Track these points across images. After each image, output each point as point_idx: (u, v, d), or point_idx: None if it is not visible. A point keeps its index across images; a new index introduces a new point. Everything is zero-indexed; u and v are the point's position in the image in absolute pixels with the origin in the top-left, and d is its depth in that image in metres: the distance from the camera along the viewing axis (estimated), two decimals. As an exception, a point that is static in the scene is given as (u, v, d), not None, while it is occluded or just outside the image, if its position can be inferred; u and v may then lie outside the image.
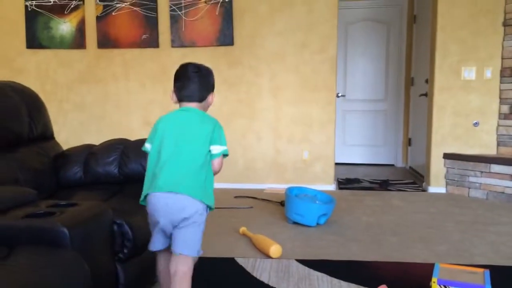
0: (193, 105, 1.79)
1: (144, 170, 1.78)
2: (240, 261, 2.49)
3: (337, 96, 6.00)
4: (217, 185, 4.66)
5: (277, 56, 4.53)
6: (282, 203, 3.74)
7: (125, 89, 4.73)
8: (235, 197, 4.14)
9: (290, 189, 3.40)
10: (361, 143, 6.19)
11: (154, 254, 1.75)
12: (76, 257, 1.38)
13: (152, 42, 4.60)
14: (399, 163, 6.12)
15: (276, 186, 4.52)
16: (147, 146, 1.77)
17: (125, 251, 1.75)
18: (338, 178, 5.05)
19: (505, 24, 4.15)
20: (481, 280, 1.75)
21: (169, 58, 4.64)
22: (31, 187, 1.94)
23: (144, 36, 4.59)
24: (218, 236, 2.96)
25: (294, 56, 4.51)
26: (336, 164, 5.98)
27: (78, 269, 1.36)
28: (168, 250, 1.68)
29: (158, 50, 4.63)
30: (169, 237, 1.67)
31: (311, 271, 2.36)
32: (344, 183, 4.85)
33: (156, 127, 1.77)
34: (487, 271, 1.83)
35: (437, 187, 4.45)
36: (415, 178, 5.16)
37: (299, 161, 4.59)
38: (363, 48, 6.08)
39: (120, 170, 2.32)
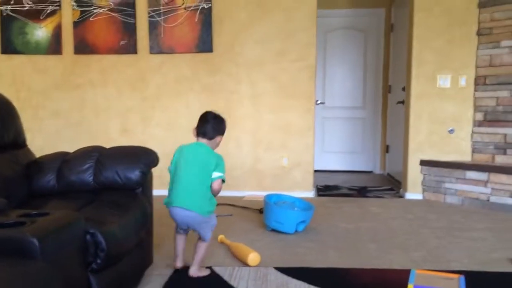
0: (204, 141, 2.41)
1: (119, 178, 2.26)
2: (217, 269, 2.46)
3: (316, 104, 6.05)
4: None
5: (256, 64, 4.54)
6: (261, 211, 3.73)
7: (103, 96, 4.67)
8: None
9: (268, 196, 3.40)
10: (340, 150, 6.24)
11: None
12: (47, 269, 1.34)
13: (130, 48, 4.55)
14: (377, 170, 6.19)
15: (255, 193, 4.51)
16: (170, 167, 2.42)
17: (99, 261, 1.71)
18: (317, 185, 5.08)
19: (479, 34, 4.25)
20: (456, 286, 1.77)
21: (148, 65, 4.60)
22: (1, 195, 1.88)
23: (122, 42, 4.55)
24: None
25: (273, 64, 4.53)
26: (315, 171, 6.01)
27: (49, 281, 1.32)
28: (184, 233, 2.44)
29: (136, 56, 4.59)
30: (186, 229, 2.41)
31: (289, 279, 2.35)
32: (323, 190, 4.87)
33: (175, 153, 2.45)
34: (462, 277, 1.85)
35: (414, 193, 4.50)
36: (393, 185, 5.22)
37: (278, 168, 4.59)
38: (341, 56, 6.15)
39: (95, 178, 2.27)
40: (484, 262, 2.67)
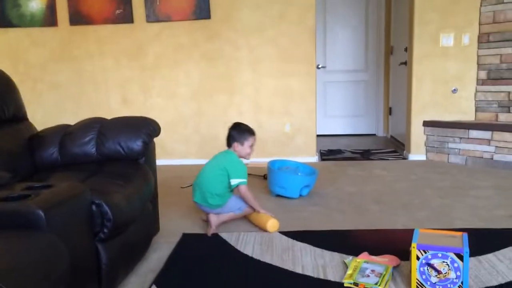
0: (229, 148, 2.72)
1: (122, 148, 2.27)
2: (224, 235, 2.50)
3: (317, 68, 5.98)
4: (200, 161, 4.66)
5: (255, 29, 4.46)
6: (265, 177, 3.75)
7: (101, 67, 4.62)
8: (218, 172, 4.13)
9: (272, 162, 3.41)
10: (343, 114, 6.21)
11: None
12: (53, 240, 1.36)
13: (127, 17, 4.47)
14: (381, 133, 6.17)
15: (258, 160, 4.51)
16: None
17: (105, 230, 1.73)
18: (320, 150, 5.08)
19: (482, -11, 4.14)
20: (459, 243, 1.78)
21: (145, 34, 4.53)
22: (6, 170, 1.89)
23: (117, 11, 4.46)
24: (201, 211, 2.96)
25: (273, 28, 4.45)
26: (318, 136, 6.00)
27: (56, 251, 1.34)
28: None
29: (133, 25, 4.51)
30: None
31: (295, 242, 2.38)
32: (326, 154, 4.88)
33: None
34: (465, 234, 1.86)
35: (417, 154, 4.50)
36: (396, 147, 5.22)
37: (281, 134, 4.59)
38: (342, 19, 6.02)
39: (97, 150, 2.27)
40: (487, 219, 2.69)
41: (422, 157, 4.49)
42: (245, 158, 2.71)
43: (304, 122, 4.56)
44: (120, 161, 2.24)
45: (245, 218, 2.74)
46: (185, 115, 4.63)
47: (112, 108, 4.61)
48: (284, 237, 2.46)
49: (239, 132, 2.69)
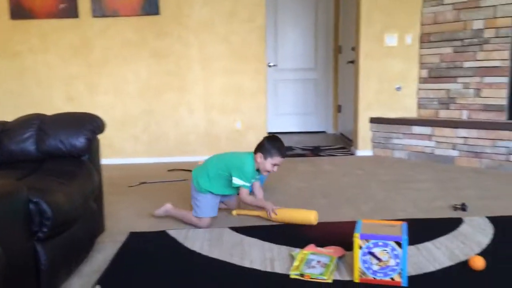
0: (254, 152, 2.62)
1: (64, 145, 2.19)
2: (171, 233, 2.47)
3: (269, 66, 6.03)
4: (150, 159, 4.58)
5: (205, 26, 4.44)
6: (215, 174, 3.74)
7: (44, 63, 4.44)
8: (168, 170, 4.08)
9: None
10: (293, 112, 6.30)
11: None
12: (-14, 239, 1.29)
13: (71, 11, 4.32)
14: (330, 130, 6.32)
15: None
16: None
17: (45, 230, 1.66)
18: (271, 147, 5.11)
19: (423, -9, 4.33)
20: (399, 232, 1.86)
21: (91, 29, 4.40)
22: None
23: (61, 6, 4.31)
24: (149, 210, 2.92)
25: (223, 26, 4.44)
26: (270, 133, 6.05)
27: (-11, 251, 1.28)
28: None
29: (78, 20, 4.37)
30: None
31: (244, 237, 2.39)
32: (277, 152, 4.92)
33: None
34: (405, 224, 1.94)
35: (364, 150, 4.65)
36: (345, 143, 5.35)
37: (232, 131, 4.59)
38: (292, 18, 6.11)
39: (37, 147, 2.18)
40: (427, 210, 2.82)
41: (369, 152, 4.64)
42: (261, 173, 2.61)
43: (255, 119, 4.59)
44: (61, 159, 2.16)
45: (274, 219, 2.60)
46: (133, 113, 4.53)
47: (56, 105, 4.44)
48: (233, 232, 2.47)
49: (269, 145, 2.57)
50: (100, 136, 2.38)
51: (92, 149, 2.27)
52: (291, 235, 2.39)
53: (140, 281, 1.92)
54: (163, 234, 2.46)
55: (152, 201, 3.10)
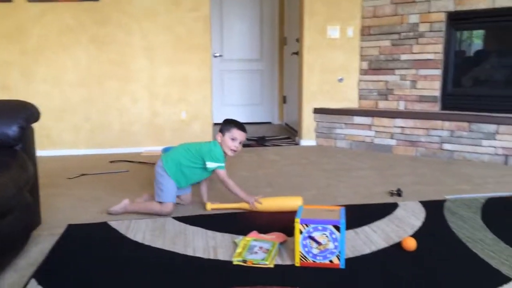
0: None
1: None
2: (113, 224, 2.42)
3: (214, 56, 6.01)
4: (91, 151, 4.44)
5: (148, 14, 4.34)
6: (159, 164, 3.68)
7: (-26, 49, 4.17)
8: (110, 161, 3.98)
9: (165, 149, 3.36)
10: (240, 102, 6.32)
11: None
12: None
13: (3, -5, 4.08)
14: (276, 120, 6.40)
15: (154, 148, 4.44)
16: None
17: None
18: (217, 137, 5.11)
19: (363, -14, 4.46)
20: (337, 216, 1.92)
21: (26, 14, 4.18)
22: None
23: (-8, -12, 4.04)
24: (90, 202, 2.84)
25: (167, 14, 4.36)
26: (216, 124, 6.04)
27: None
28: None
29: (11, 5, 4.13)
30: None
31: (187, 226, 2.39)
32: (223, 142, 4.93)
33: None
34: (343, 208, 2.02)
35: (308, 140, 4.75)
36: (290, 134, 5.45)
37: (177, 121, 4.54)
38: (238, 9, 6.10)
39: (-35, 137, 2.05)
40: (366, 196, 2.94)
41: (312, 142, 4.75)
42: (226, 153, 2.57)
43: (201, 109, 4.57)
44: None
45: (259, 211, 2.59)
46: (73, 102, 4.36)
47: (-12, 94, 4.19)
48: (176, 222, 2.45)
49: (225, 122, 2.60)
50: (37, 126, 2.28)
51: (25, 139, 2.17)
52: (235, 223, 2.42)
53: (79, 274, 1.86)
54: (103, 226, 2.41)
55: (93, 193, 3.02)
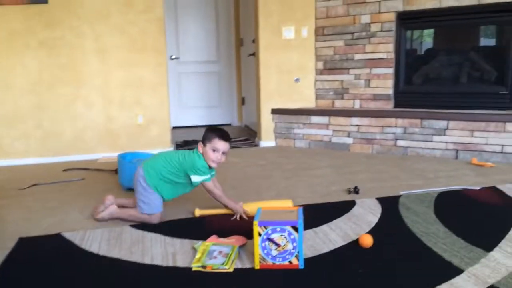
0: None
1: None
2: (67, 235, 2.33)
3: (171, 59, 5.94)
4: (43, 160, 4.29)
5: (100, 16, 4.23)
6: (116, 171, 3.60)
7: None
8: (64, 170, 3.85)
9: (122, 155, 3.28)
10: (198, 105, 6.27)
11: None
12: None
13: None
14: (235, 122, 6.39)
15: (110, 154, 4.32)
16: None
17: None
18: (176, 141, 5.06)
19: (316, -13, 4.53)
20: (295, 217, 1.94)
21: (-32, 18, 3.97)
22: None
23: None
24: (43, 213, 2.73)
25: (119, 16, 4.27)
26: (174, 127, 5.99)
27: None
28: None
29: (-49, 8, 3.92)
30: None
31: (145, 233, 2.34)
32: (182, 146, 4.88)
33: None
34: (301, 209, 2.03)
35: (268, 141, 4.77)
36: (249, 135, 5.45)
37: (133, 126, 4.44)
38: (193, 10, 6.05)
39: None
40: (324, 194, 2.97)
41: (272, 143, 4.77)
42: (210, 165, 2.42)
43: (157, 113, 4.49)
44: None
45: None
46: (23, 109, 4.19)
47: None
48: (134, 229, 2.40)
49: (206, 132, 2.43)
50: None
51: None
52: (194, 228, 2.39)
53: (31, 289, 1.79)
54: (57, 238, 2.32)
55: (46, 204, 2.91)
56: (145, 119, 4.46)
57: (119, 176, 3.23)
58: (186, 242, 2.20)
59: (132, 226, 2.45)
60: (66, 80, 4.23)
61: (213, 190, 2.48)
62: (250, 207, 2.52)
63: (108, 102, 4.36)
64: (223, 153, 2.43)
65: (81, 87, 4.28)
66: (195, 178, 2.40)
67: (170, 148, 4.57)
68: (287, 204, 2.54)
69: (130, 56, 4.34)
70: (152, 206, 2.46)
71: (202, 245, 2.09)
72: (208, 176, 2.44)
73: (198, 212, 2.61)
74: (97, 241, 2.26)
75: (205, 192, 2.56)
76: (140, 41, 4.34)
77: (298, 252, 1.89)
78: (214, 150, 2.38)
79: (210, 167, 2.45)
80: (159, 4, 4.32)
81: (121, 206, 2.60)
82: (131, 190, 3.13)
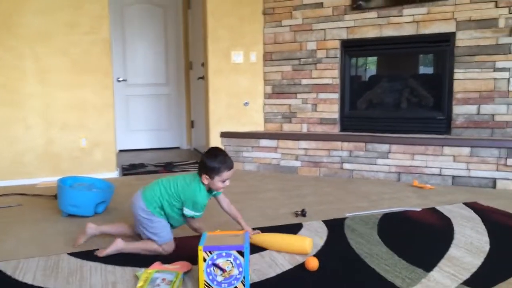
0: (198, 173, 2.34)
1: None
2: (-2, 265, 2.18)
3: (118, 81, 5.83)
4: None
5: (41, 37, 4.08)
6: (55, 196, 3.43)
7: None
8: (0, 195, 3.62)
9: (62, 180, 3.14)
10: (146, 128, 6.15)
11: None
12: None
13: None
14: (184, 145, 6.32)
15: (51, 179, 4.12)
16: None
17: None
18: (122, 165, 4.92)
19: (264, 13, 4.63)
20: (241, 241, 1.91)
21: None
22: None
23: None
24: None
25: (62, 37, 4.14)
26: (121, 151, 5.84)
27: None
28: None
29: None
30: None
31: (84, 262, 2.22)
32: (128, 169, 4.74)
33: None
34: (247, 233, 2.01)
35: (216, 164, 4.73)
36: (198, 158, 5.38)
37: (76, 149, 4.28)
38: (142, 32, 6.00)
39: None
40: (273, 218, 2.97)
41: (221, 166, 4.73)
42: (216, 191, 2.36)
43: (102, 136, 4.35)
44: None
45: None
46: (-46, 132, 3.93)
47: None
48: (72, 258, 2.27)
49: (211, 163, 2.24)
50: None
51: None
52: (136, 255, 2.30)
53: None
54: (-14, 269, 2.16)
55: None
56: (89, 142, 4.31)
57: (59, 201, 3.07)
58: (128, 270, 2.11)
59: (70, 254, 2.32)
60: (3, 101, 4.02)
61: (195, 223, 2.41)
62: (261, 238, 2.41)
63: (50, 124, 4.18)
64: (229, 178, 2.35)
65: (21, 109, 4.08)
66: (187, 211, 2.30)
67: (115, 172, 4.42)
68: (305, 241, 2.29)
69: (74, 77, 4.21)
70: (162, 235, 2.30)
71: (144, 273, 2.01)
72: (199, 214, 2.36)
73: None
74: (31, 271, 2.12)
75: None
76: (84, 63, 4.22)
77: (244, 277, 1.86)
78: (223, 181, 2.30)
79: (210, 192, 2.39)
80: (104, 25, 4.25)
81: (106, 234, 2.53)
82: (70, 216, 3.01)
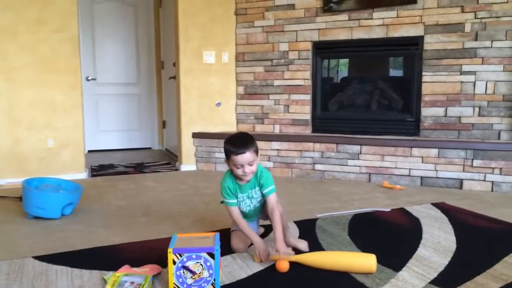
0: None
1: None
2: (-43, 271, 2.09)
3: (87, 80, 5.71)
4: None
5: (7, 33, 3.95)
6: (21, 198, 3.32)
7: None
8: (-40, 198, 3.49)
9: (28, 181, 3.04)
10: (116, 128, 6.05)
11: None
12: None
13: None
14: (156, 146, 6.24)
15: (16, 180, 3.99)
16: None
17: None
18: (91, 166, 4.82)
19: (236, 13, 4.62)
20: (212, 243, 1.89)
21: None
22: None
23: None
24: None
25: (29, 34, 4.02)
26: (90, 151, 5.72)
27: None
28: None
29: None
30: None
31: (50, 265, 2.16)
32: (97, 170, 4.65)
33: None
34: (217, 234, 1.99)
35: (188, 165, 4.70)
36: (170, 159, 5.34)
37: (43, 150, 4.16)
38: (112, 30, 5.89)
39: None
40: (244, 219, 2.96)
41: (193, 167, 4.70)
42: (239, 181, 2.25)
43: (70, 136, 4.25)
44: None
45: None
46: None
47: None
48: (37, 261, 2.20)
49: (225, 146, 2.19)
50: None
51: None
52: (105, 258, 2.25)
53: None
54: None
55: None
56: (57, 142, 4.20)
57: (24, 203, 2.98)
58: (95, 274, 2.06)
59: (35, 258, 2.25)
60: (-34, 99, 3.89)
61: (234, 217, 2.28)
62: (320, 258, 2.12)
63: (16, 124, 4.05)
64: (249, 164, 2.16)
65: (-16, 108, 3.95)
66: (222, 197, 2.31)
67: (84, 173, 4.32)
68: (370, 259, 2.04)
69: (41, 76, 4.09)
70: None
71: (112, 276, 1.96)
72: (229, 200, 2.27)
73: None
74: (-7, 276, 2.04)
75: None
76: (52, 61, 4.11)
77: (214, 279, 1.84)
78: (237, 167, 2.17)
79: (240, 181, 2.25)
80: (73, 23, 4.15)
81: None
82: (36, 218, 2.92)
